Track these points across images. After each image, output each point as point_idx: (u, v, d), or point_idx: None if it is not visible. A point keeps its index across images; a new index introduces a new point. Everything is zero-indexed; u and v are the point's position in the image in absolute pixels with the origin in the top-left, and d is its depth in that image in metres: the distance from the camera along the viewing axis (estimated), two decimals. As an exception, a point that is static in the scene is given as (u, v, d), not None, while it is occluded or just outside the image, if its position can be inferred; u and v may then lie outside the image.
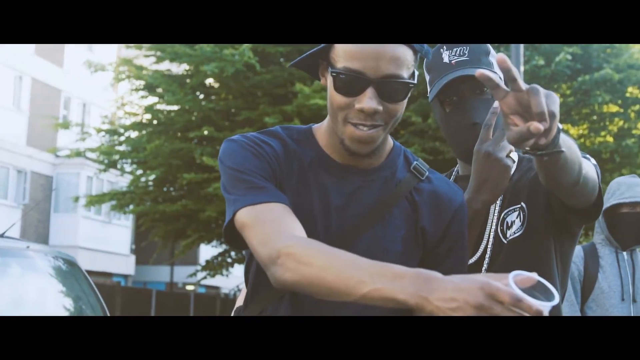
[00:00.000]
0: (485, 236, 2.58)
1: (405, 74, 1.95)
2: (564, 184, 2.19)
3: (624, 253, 4.34)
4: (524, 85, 1.73)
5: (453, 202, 2.15)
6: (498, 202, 2.60)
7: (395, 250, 2.06)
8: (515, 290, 1.61)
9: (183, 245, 20.48)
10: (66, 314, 5.70)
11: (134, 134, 18.82)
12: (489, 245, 2.56)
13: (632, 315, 4.13)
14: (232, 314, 2.29)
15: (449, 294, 1.61)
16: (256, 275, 2.13)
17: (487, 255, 2.56)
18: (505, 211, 2.59)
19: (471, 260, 2.54)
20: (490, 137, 2.40)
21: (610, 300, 4.18)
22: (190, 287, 36.25)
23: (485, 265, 2.56)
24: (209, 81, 17.89)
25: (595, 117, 18.82)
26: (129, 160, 19.11)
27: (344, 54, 1.97)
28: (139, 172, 19.06)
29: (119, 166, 19.72)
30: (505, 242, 2.56)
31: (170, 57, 17.11)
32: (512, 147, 2.40)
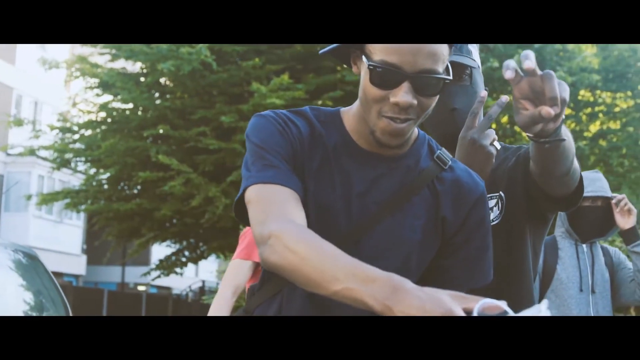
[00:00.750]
0: None
1: (440, 69, 1.95)
2: (557, 172, 2.25)
3: (584, 245, 4.44)
4: (539, 71, 1.76)
5: (474, 192, 2.15)
6: None
7: (414, 239, 2.08)
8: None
9: (137, 244, 20.38)
10: (26, 308, 5.67)
11: (88, 132, 18.70)
12: None
13: (590, 305, 4.23)
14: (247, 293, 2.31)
15: (412, 310, 1.61)
16: None
17: None
18: None
19: None
20: (475, 124, 2.47)
21: (568, 291, 4.28)
22: (141, 288, 36.08)
23: None
24: (165, 79, 17.85)
25: (547, 120, 19.02)
26: (83, 159, 18.99)
27: (382, 47, 1.95)
28: (93, 170, 18.96)
29: (72, 164, 19.60)
30: None
31: (125, 55, 17.04)
32: (495, 136, 2.47)
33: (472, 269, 2.15)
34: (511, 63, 1.76)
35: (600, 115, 19.87)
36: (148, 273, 21.21)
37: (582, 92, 18.85)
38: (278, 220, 1.85)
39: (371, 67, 1.95)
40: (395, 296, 1.63)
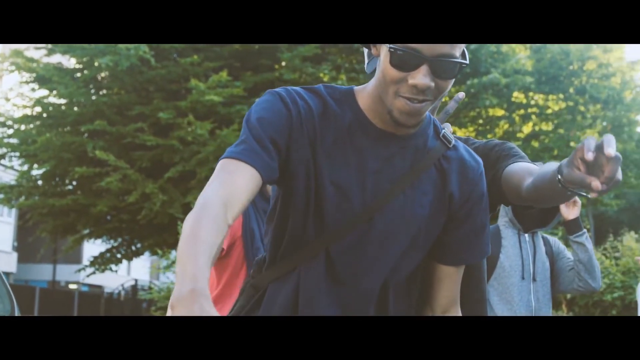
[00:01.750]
0: None
1: (457, 53, 2.02)
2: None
3: (526, 235, 4.58)
4: (612, 154, 1.77)
5: (476, 170, 2.23)
6: None
7: (423, 215, 2.15)
8: None
9: (71, 240, 20.21)
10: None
11: (23, 127, 18.50)
12: None
13: (531, 292, 4.37)
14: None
15: (172, 301, 1.63)
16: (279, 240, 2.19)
17: None
18: None
19: None
20: (443, 122, 2.58)
21: (510, 279, 4.40)
22: (73, 286, 35.73)
23: None
24: (102, 75, 17.75)
25: (482, 120, 19.36)
26: (18, 154, 18.78)
27: None
28: (27, 166, 18.76)
29: (6, 159, 19.38)
30: None
31: (62, 50, 16.92)
32: (451, 128, 2.60)
33: (473, 244, 2.24)
34: (592, 144, 1.79)
35: (533, 116, 20.27)
36: (83, 269, 21.03)
37: (515, 93, 19.20)
38: (211, 196, 1.89)
39: (392, 49, 2.01)
40: (176, 294, 1.64)
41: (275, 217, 2.19)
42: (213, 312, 1.60)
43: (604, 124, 21.08)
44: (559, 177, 1.97)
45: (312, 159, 2.09)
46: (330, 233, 2.10)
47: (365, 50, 2.81)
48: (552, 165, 2.12)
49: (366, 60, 2.82)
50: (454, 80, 2.05)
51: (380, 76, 2.07)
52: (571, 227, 4.41)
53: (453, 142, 2.24)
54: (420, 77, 1.99)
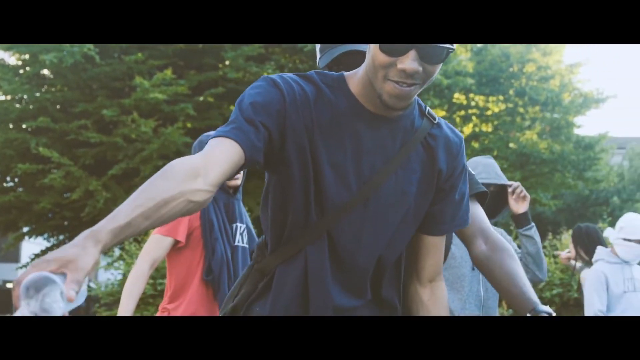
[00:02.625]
0: None
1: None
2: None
3: None
4: None
5: (458, 144, 2.36)
6: None
7: (413, 192, 2.27)
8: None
9: (12, 238, 20.05)
10: None
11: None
12: None
13: (480, 283, 4.52)
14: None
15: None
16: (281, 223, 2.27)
17: None
18: None
19: None
20: None
21: (461, 269, 4.50)
22: (10, 285, 35.36)
23: None
24: (45, 72, 17.67)
25: (423, 121, 19.55)
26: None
27: None
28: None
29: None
30: None
31: (5, 47, 16.81)
32: None
33: (456, 213, 2.39)
34: None
35: (474, 117, 20.53)
36: (24, 266, 20.88)
37: (456, 94, 19.45)
38: (186, 159, 1.99)
39: None
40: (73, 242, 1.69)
41: (270, 203, 2.28)
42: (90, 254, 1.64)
43: (543, 125, 21.43)
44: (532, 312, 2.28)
45: (309, 144, 2.17)
46: (331, 214, 2.19)
47: (318, 46, 2.95)
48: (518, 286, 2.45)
49: (318, 55, 2.97)
50: (441, 64, 2.15)
51: (369, 61, 2.15)
52: (520, 221, 4.57)
53: (437, 119, 2.36)
54: (409, 62, 2.06)
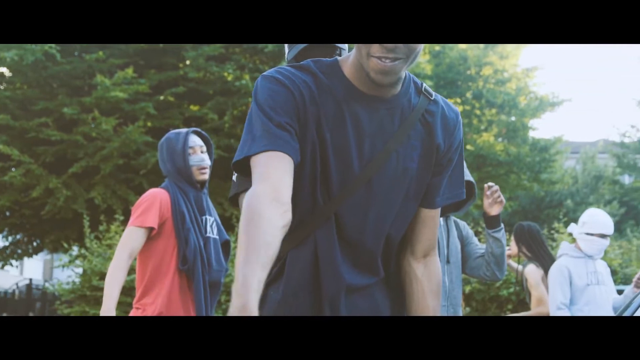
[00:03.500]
0: None
1: None
2: None
3: (441, 219, 4.73)
4: None
5: (455, 119, 2.40)
6: None
7: (414, 168, 2.31)
8: None
9: (-30, 235, 19.98)
10: None
11: None
12: None
13: (446, 274, 4.60)
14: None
15: None
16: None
17: None
18: None
19: None
20: None
21: None
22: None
23: None
24: (5, 70, 17.62)
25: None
26: None
27: None
28: None
29: None
30: None
31: (-36, 43, 16.79)
32: None
33: (453, 185, 2.44)
34: None
35: (432, 119, 20.71)
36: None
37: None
38: (255, 192, 2.05)
39: None
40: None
41: None
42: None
43: (499, 128, 21.71)
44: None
45: (317, 133, 2.22)
46: (336, 197, 2.24)
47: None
48: None
49: (286, 50, 3.09)
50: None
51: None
52: (492, 223, 4.67)
53: (434, 95, 2.39)
54: None
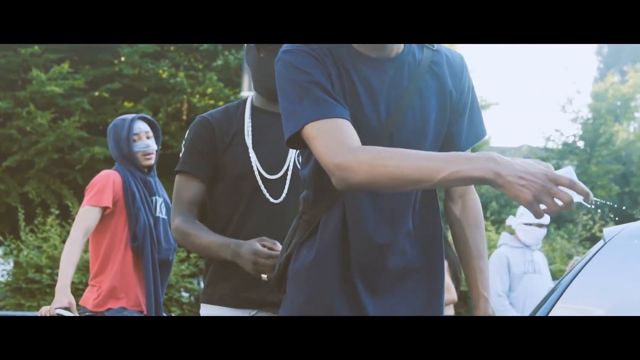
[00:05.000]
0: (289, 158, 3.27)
1: None
2: None
3: None
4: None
5: (460, 64, 2.48)
6: None
7: (431, 118, 2.38)
8: (572, 177, 1.92)
9: None
10: None
11: None
12: (290, 166, 3.26)
13: None
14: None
15: (519, 172, 1.92)
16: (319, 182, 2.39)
17: (289, 176, 3.24)
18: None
19: (277, 175, 3.22)
20: None
21: None
22: None
23: (287, 181, 3.23)
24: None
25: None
26: None
27: None
28: None
29: None
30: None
31: None
32: None
33: (474, 126, 2.52)
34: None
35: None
36: None
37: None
38: (347, 149, 2.12)
39: None
40: (500, 164, 1.95)
41: (310, 159, 2.41)
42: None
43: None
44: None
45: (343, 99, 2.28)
46: None
47: None
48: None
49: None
50: None
51: None
52: None
53: (435, 46, 2.46)
54: None
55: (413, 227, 2.42)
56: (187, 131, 3.31)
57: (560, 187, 1.92)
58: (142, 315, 4.72)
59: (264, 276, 2.81)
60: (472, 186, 2.55)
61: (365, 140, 2.21)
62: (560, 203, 1.92)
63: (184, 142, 3.31)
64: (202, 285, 13.50)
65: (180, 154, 3.30)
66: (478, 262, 2.53)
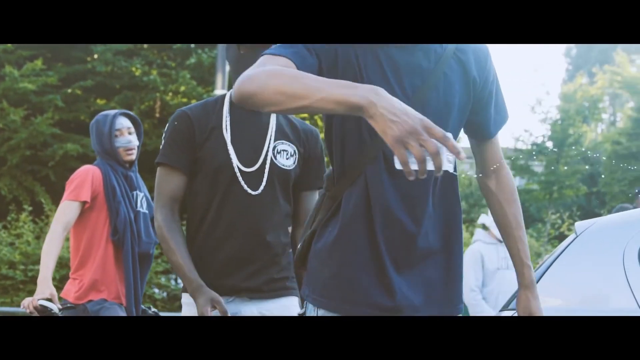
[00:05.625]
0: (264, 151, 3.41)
1: None
2: None
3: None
4: None
5: (484, 51, 2.55)
6: (273, 131, 3.46)
7: (454, 102, 2.45)
8: (446, 133, 1.96)
9: None
10: None
11: None
12: (268, 159, 3.40)
13: None
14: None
15: (395, 109, 1.97)
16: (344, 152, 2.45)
17: (266, 169, 3.39)
18: (280, 141, 3.46)
19: (253, 168, 3.37)
20: None
21: None
22: None
23: (265, 174, 3.37)
24: None
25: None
26: None
27: None
28: None
29: None
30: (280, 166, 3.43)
31: None
32: None
33: (500, 113, 2.62)
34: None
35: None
36: None
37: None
38: (257, 68, 2.21)
39: None
40: (379, 95, 2.00)
41: (333, 138, 2.46)
42: None
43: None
44: None
45: (359, 79, 2.35)
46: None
47: None
48: None
49: None
50: None
51: None
52: None
53: None
54: None
55: (433, 209, 2.45)
56: (167, 124, 3.44)
57: (432, 138, 1.95)
58: (123, 307, 4.80)
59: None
60: (504, 162, 2.65)
61: None
62: (426, 153, 1.95)
63: (163, 135, 3.44)
64: (173, 282, 13.54)
65: (161, 147, 3.43)
66: (518, 232, 2.63)
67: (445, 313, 2.41)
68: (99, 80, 17.31)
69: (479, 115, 2.55)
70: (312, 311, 2.39)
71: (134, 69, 17.58)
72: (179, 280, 13.33)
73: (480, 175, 2.67)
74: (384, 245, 2.37)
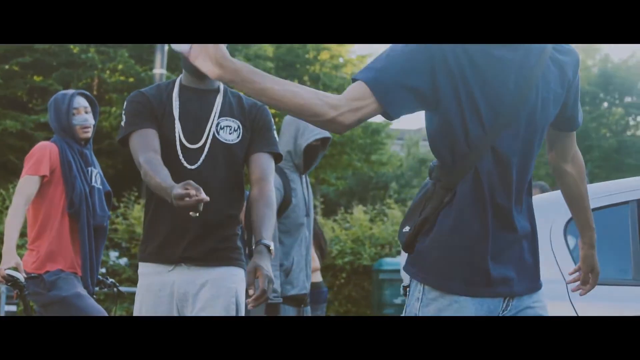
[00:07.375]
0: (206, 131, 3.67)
1: None
2: None
3: (303, 176, 5.20)
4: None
5: (577, 54, 2.71)
6: (218, 109, 3.71)
7: (550, 99, 2.59)
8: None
9: None
10: None
11: None
12: (210, 138, 3.66)
13: (310, 228, 5.15)
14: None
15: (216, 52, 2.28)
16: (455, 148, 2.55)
17: (207, 146, 3.64)
18: (224, 118, 3.71)
19: (196, 145, 3.63)
20: None
21: (299, 218, 5.03)
22: None
23: (205, 151, 3.62)
24: None
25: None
26: None
27: None
28: None
29: None
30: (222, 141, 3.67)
31: None
32: None
33: (580, 110, 2.81)
34: None
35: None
36: None
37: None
38: None
39: None
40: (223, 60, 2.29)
41: (440, 131, 2.56)
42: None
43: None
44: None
45: (461, 81, 2.48)
46: (491, 131, 2.50)
47: None
48: None
49: None
50: None
51: None
52: None
53: None
54: None
55: (526, 195, 2.65)
56: (125, 104, 3.68)
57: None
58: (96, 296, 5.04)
59: (192, 213, 3.01)
60: (576, 145, 2.89)
61: (496, 109, 2.51)
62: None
63: (123, 113, 3.66)
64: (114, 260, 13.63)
65: (122, 124, 3.64)
66: (588, 202, 2.92)
67: (532, 287, 2.61)
68: (36, 57, 17.30)
69: (569, 111, 2.73)
70: (417, 286, 2.54)
71: (72, 46, 17.59)
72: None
73: (558, 158, 2.88)
74: (492, 230, 2.52)
